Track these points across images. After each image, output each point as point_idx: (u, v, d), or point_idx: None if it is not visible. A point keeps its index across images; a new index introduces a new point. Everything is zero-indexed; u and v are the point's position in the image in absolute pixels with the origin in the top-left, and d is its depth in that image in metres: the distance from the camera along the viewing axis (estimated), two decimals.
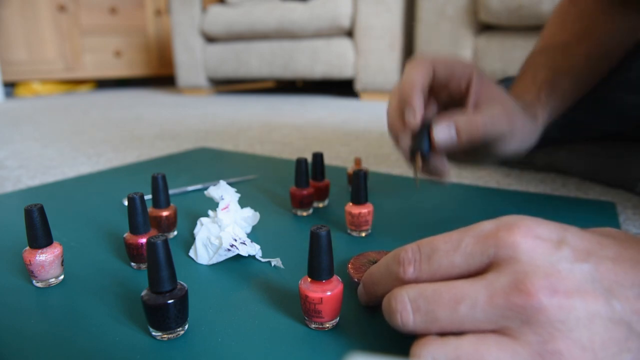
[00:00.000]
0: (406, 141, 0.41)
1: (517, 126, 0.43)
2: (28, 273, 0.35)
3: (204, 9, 2.40)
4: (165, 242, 0.27)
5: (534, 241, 0.22)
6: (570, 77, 0.53)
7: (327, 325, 0.29)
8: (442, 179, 0.44)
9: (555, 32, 0.59)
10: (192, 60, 2.43)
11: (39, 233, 0.34)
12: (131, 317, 0.31)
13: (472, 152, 0.46)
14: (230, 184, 0.58)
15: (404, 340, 0.25)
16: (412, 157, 0.39)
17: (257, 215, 0.46)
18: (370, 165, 0.81)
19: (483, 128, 0.39)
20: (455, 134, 0.38)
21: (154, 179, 0.43)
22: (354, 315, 0.31)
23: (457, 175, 0.73)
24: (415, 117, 0.38)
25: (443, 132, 0.38)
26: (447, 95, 0.43)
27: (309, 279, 0.29)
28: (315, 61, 2.10)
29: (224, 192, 0.43)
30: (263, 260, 0.40)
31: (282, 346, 0.28)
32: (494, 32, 1.69)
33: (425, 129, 0.39)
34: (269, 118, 1.50)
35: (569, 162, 0.71)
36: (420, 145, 0.38)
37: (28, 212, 0.34)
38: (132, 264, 0.39)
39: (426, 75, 0.40)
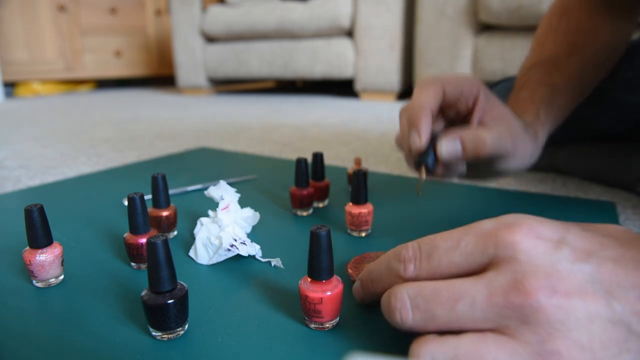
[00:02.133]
0: (412, 156, 0.42)
1: (520, 145, 0.44)
2: (28, 273, 0.35)
3: (204, 9, 2.40)
4: (165, 242, 0.27)
5: (534, 241, 0.22)
6: (565, 91, 0.54)
7: (327, 325, 0.29)
8: (449, 179, 0.46)
9: (546, 46, 0.59)
10: (192, 60, 2.43)
11: (39, 233, 0.34)
12: (131, 317, 0.31)
13: (474, 168, 0.47)
14: (230, 184, 0.58)
15: (404, 340, 0.25)
16: (417, 168, 0.41)
17: (257, 215, 0.46)
18: (370, 165, 0.81)
19: (490, 144, 0.40)
20: (460, 149, 0.40)
21: (154, 179, 0.43)
22: (354, 315, 0.31)
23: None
24: (421, 140, 0.40)
25: (448, 147, 0.40)
26: (454, 112, 0.44)
27: (309, 279, 0.29)
28: (315, 61, 2.10)
29: (224, 192, 0.43)
30: (263, 260, 0.40)
31: (282, 346, 0.28)
32: (494, 32, 1.69)
33: (432, 143, 0.40)
34: (269, 118, 1.50)
35: (569, 162, 0.71)
36: (425, 160, 0.40)
37: (28, 212, 0.34)
38: (132, 264, 0.39)
39: (436, 98, 0.41)
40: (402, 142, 0.43)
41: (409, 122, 0.41)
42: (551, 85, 0.53)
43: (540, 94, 0.52)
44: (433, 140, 0.41)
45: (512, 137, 0.43)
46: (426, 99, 0.41)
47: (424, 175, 0.40)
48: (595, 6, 0.58)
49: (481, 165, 0.46)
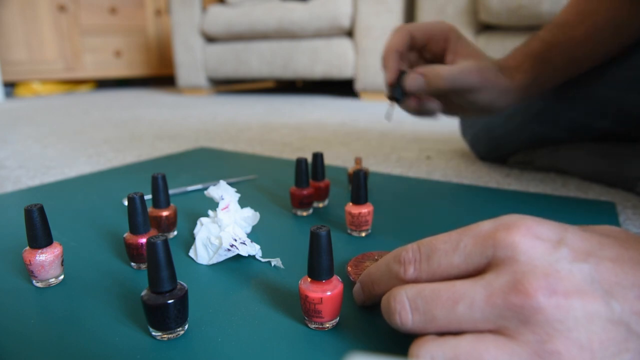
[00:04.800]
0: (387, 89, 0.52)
1: (489, 81, 0.51)
2: (28, 273, 0.35)
3: (204, 9, 2.40)
4: (165, 242, 0.27)
5: (532, 241, 0.22)
6: (564, 53, 0.57)
7: (327, 325, 0.29)
8: (433, 116, 0.55)
9: (563, 11, 0.61)
10: (192, 60, 2.43)
11: (39, 233, 0.34)
12: (131, 317, 0.31)
13: (449, 103, 0.55)
14: (230, 184, 0.58)
15: (404, 340, 0.25)
16: (389, 99, 0.51)
17: (257, 215, 0.46)
18: (370, 165, 0.81)
19: (447, 77, 0.48)
20: (422, 82, 0.48)
21: (154, 179, 0.43)
22: (354, 315, 0.31)
23: (457, 175, 0.73)
24: (389, 76, 0.50)
25: (412, 81, 0.49)
26: (430, 54, 0.53)
27: (309, 279, 0.29)
28: (315, 61, 2.10)
29: (224, 192, 0.43)
30: (263, 260, 0.40)
31: (282, 346, 0.28)
32: (494, 32, 1.69)
33: (400, 78, 0.50)
34: (269, 118, 1.50)
35: (569, 162, 0.71)
36: (393, 93, 0.51)
37: (28, 212, 0.34)
38: (132, 264, 0.39)
39: (402, 41, 0.50)
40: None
41: (382, 63, 0.51)
42: (550, 42, 0.57)
43: (535, 46, 0.57)
44: (401, 77, 0.50)
45: (478, 72, 0.49)
46: (393, 42, 0.50)
47: (393, 105, 0.51)
48: None
49: (454, 99, 0.52)
